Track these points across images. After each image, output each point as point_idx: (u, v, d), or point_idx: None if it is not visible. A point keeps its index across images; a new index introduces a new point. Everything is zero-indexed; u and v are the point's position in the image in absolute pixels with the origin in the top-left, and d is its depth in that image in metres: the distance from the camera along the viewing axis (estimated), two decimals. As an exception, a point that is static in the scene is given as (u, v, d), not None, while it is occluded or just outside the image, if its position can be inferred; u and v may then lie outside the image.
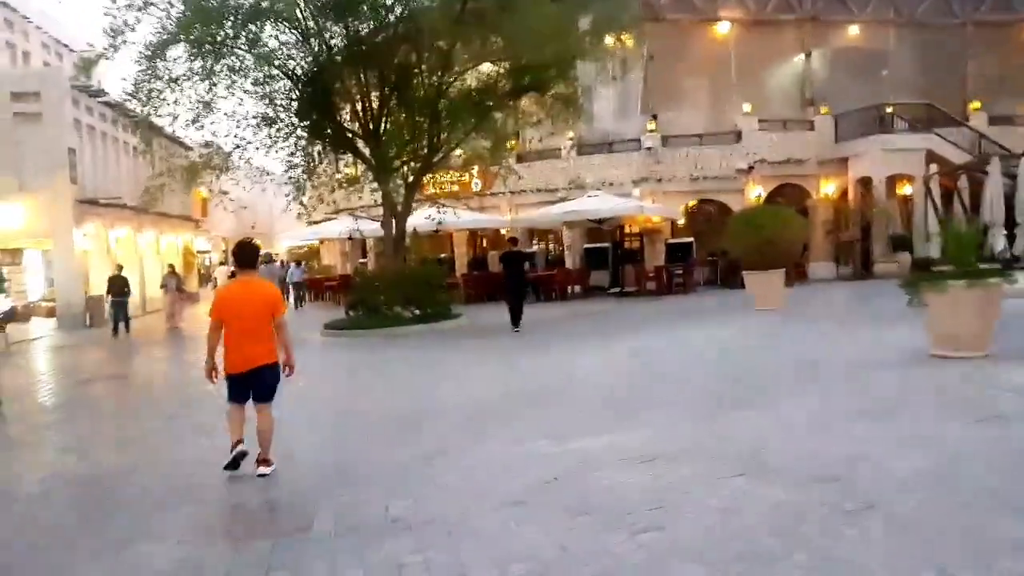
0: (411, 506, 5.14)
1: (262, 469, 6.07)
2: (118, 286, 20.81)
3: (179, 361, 14.47)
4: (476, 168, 26.35)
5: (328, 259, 37.96)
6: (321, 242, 37.44)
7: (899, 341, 9.64)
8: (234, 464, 6.09)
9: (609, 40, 19.00)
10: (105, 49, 15.92)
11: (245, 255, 6.36)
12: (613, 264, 25.92)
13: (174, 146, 21.21)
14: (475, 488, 5.41)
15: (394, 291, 16.61)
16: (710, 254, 25.24)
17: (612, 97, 26.05)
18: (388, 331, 15.80)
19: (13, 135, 22.38)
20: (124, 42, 15.48)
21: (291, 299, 31.33)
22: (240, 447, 6.10)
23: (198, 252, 50.65)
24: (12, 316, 17.74)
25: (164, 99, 16.15)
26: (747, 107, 25.79)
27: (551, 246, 29.72)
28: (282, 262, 40.08)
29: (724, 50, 26.19)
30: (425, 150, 17.77)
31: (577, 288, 24.75)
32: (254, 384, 6.15)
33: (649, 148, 25.68)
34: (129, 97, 16.67)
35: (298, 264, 32.54)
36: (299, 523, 5.07)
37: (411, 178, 18.13)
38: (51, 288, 25.54)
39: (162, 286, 22.80)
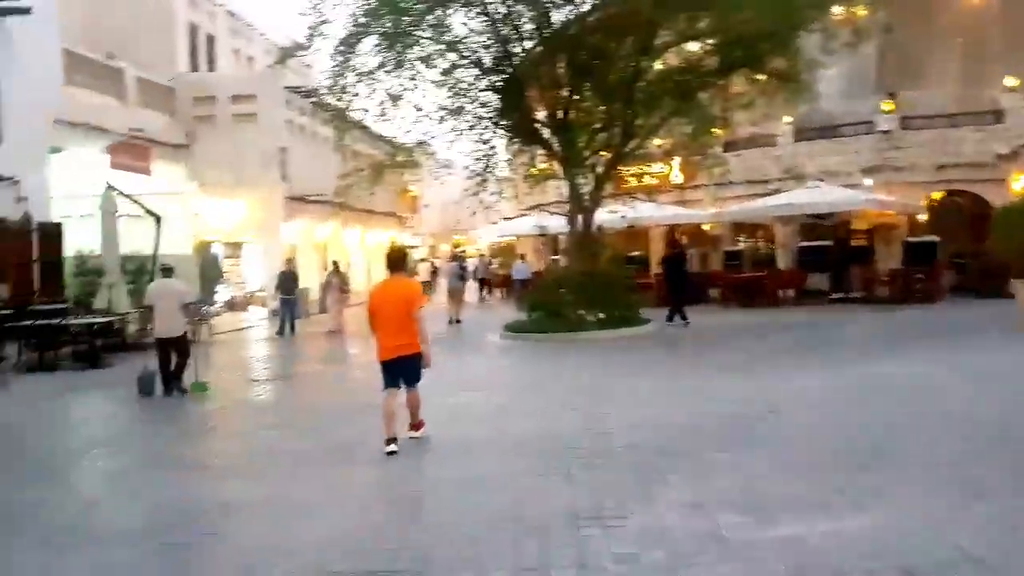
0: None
1: (412, 433, 7.07)
2: (287, 283, 19.03)
3: (356, 367, 13.81)
4: (677, 159, 24.32)
5: (529, 254, 37.56)
6: (517, 239, 37.10)
7: None
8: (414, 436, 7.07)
9: (838, 8, 16.31)
10: (302, 43, 15.92)
11: (392, 260, 7.33)
12: (835, 265, 22.67)
13: (376, 142, 20.97)
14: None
15: (577, 292, 15.19)
16: (954, 255, 21.26)
17: (838, 73, 22.84)
18: (569, 336, 14.42)
19: (232, 135, 23.70)
20: (321, 34, 15.36)
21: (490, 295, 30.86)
22: (392, 446, 6.68)
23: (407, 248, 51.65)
24: (207, 313, 17.48)
25: (357, 93, 15.91)
26: (1011, 81, 21.39)
27: (759, 244, 26.85)
28: (482, 256, 39.55)
29: (981, 14, 21.95)
30: (618, 138, 16.14)
31: (790, 292, 21.91)
32: (401, 371, 6.93)
33: (884, 131, 22.16)
34: (326, 92, 16.65)
35: (523, 259, 30.72)
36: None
37: (601, 170, 16.58)
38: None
39: (323, 285, 20.70)
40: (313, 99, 20.79)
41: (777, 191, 22.84)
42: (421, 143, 15.76)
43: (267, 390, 11.28)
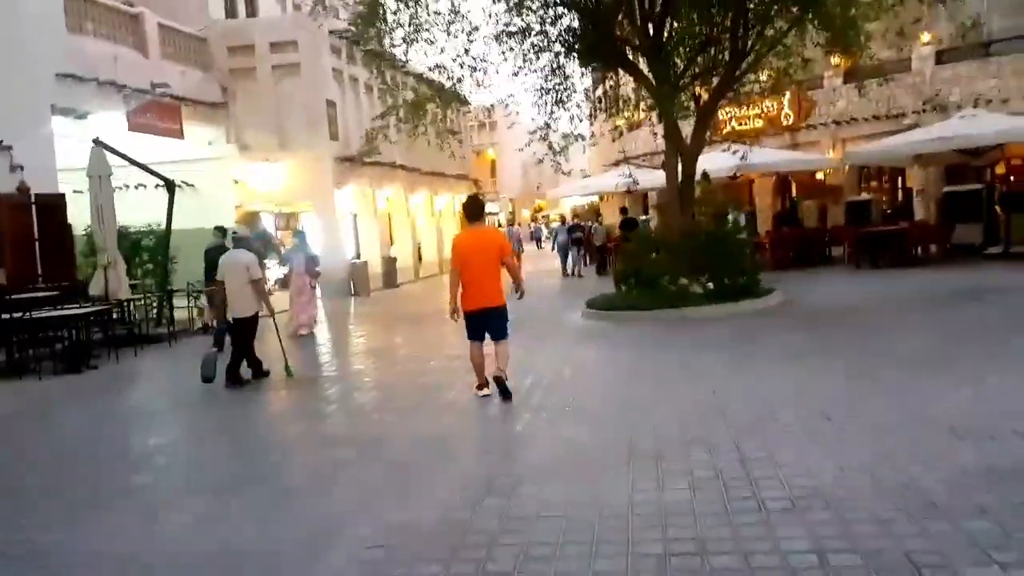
0: None
1: (496, 374, 6.79)
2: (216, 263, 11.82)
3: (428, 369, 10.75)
4: (787, 95, 20.43)
5: (609, 217, 34.16)
6: (602, 198, 33.72)
7: None
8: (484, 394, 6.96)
9: None
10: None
11: (470, 209, 7.16)
12: (990, 213, 18.46)
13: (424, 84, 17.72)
14: None
15: (679, 257, 11.90)
16: None
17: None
18: (669, 314, 11.17)
19: (274, 89, 21.15)
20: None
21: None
22: (485, 390, 6.96)
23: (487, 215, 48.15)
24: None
25: (399, 22, 12.90)
26: None
27: (884, 194, 22.67)
28: (599, 218, 35.02)
29: None
30: (725, 57, 12.59)
31: (932, 248, 17.94)
32: (487, 325, 6.91)
33: (1053, 45, 17.75)
34: (362, 23, 13.67)
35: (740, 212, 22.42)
36: None
37: (704, 100, 13.09)
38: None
39: (282, 263, 13.75)
40: (352, 37, 17.66)
41: (914, 126, 18.83)
42: (474, 69, 12.48)
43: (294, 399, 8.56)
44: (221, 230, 12.10)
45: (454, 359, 9.20)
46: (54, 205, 14.23)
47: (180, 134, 18.68)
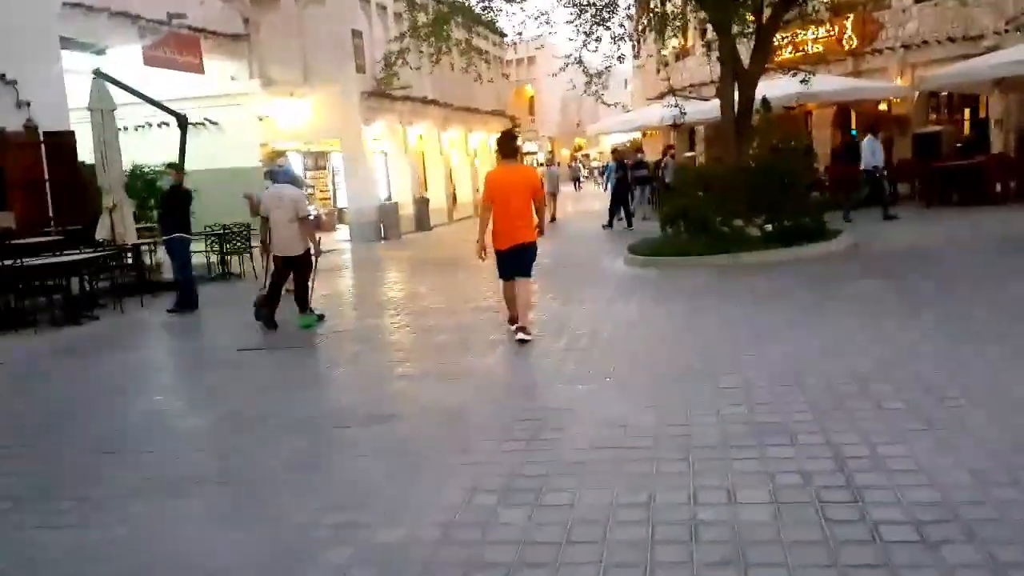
0: None
1: (521, 335, 6.66)
2: (174, 207, 10.19)
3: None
4: (851, 16, 18.63)
5: (651, 154, 32.51)
6: (644, 134, 32.05)
7: None
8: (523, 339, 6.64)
9: None
10: None
11: (504, 145, 6.97)
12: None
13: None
14: None
15: (734, 196, 10.62)
16: None
17: None
18: (722, 259, 9.97)
19: (298, 20, 19.95)
20: None
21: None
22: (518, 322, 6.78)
23: (524, 154, 46.55)
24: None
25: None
26: None
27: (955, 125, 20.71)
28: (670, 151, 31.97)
29: None
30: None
31: (1011, 184, 16.25)
32: (517, 260, 6.76)
33: None
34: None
35: (873, 133, 15.76)
36: None
37: (766, 18, 11.58)
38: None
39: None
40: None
41: (995, 48, 16.89)
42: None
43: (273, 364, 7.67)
44: (175, 167, 10.82)
45: (481, 312, 8.22)
46: (64, 143, 13.43)
47: (200, 69, 17.68)
